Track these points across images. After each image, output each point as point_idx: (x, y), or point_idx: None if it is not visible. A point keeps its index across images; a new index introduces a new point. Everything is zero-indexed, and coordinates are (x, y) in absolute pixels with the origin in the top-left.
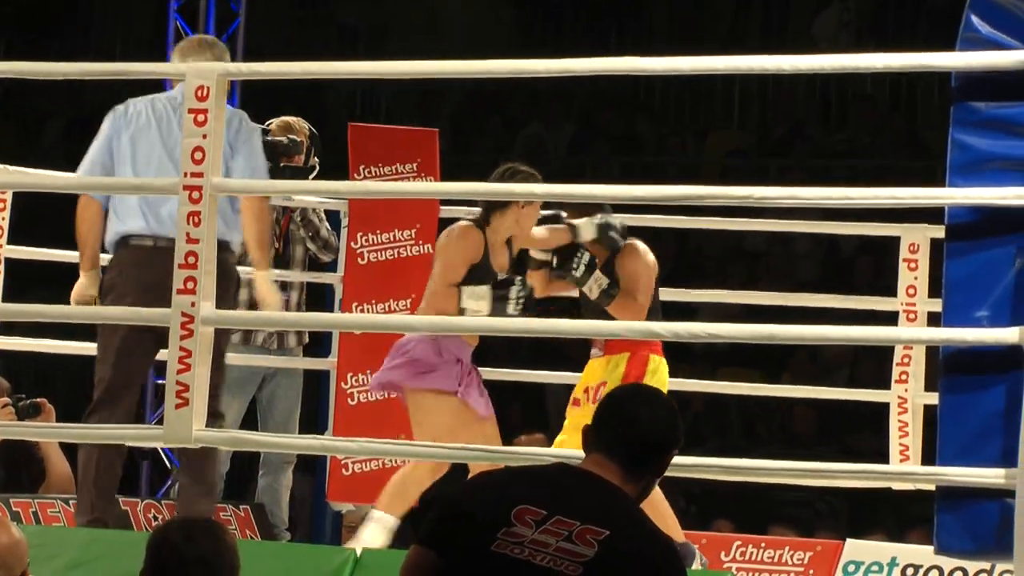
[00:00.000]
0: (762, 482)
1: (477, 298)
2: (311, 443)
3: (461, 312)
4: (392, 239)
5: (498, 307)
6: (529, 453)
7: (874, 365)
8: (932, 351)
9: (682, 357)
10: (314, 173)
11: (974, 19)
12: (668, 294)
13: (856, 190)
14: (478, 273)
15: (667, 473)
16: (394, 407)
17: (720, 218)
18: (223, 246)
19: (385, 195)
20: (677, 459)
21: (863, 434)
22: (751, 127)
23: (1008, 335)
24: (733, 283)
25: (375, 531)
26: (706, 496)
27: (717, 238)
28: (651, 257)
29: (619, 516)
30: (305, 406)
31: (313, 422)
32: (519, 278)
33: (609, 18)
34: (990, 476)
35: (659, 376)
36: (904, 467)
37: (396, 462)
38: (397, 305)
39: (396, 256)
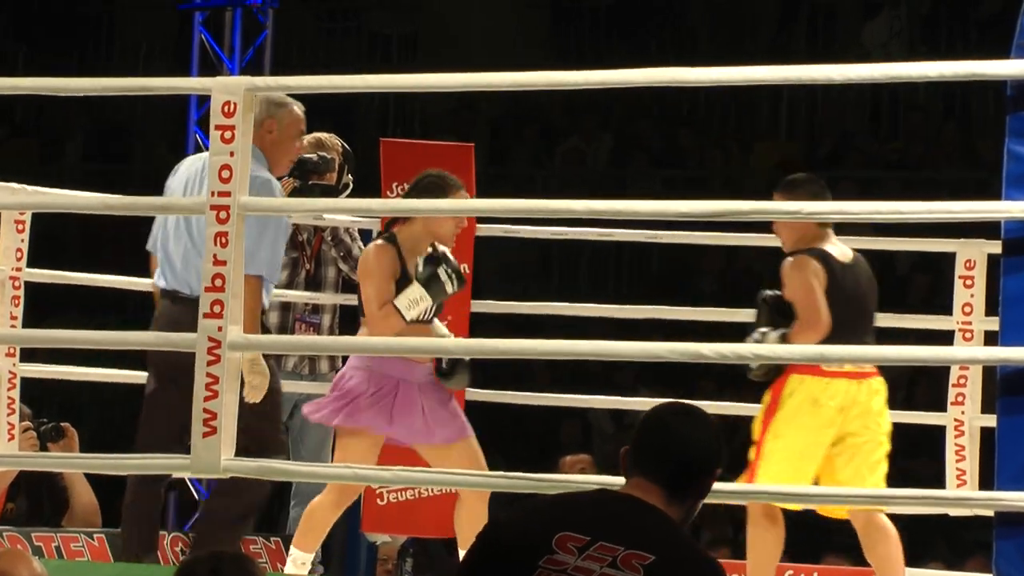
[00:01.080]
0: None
1: (413, 301)
2: (343, 472)
3: (410, 323)
4: None
5: (436, 290)
6: (562, 480)
7: (931, 386)
8: (989, 371)
9: (731, 380)
10: (348, 191)
11: None
12: (716, 314)
13: (908, 204)
14: (402, 285)
15: (715, 500)
16: None
17: (768, 234)
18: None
19: (419, 213)
20: (724, 486)
21: (920, 458)
22: (799, 138)
23: None
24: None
25: (290, 568)
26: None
27: (766, 255)
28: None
29: (665, 540)
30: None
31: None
32: (432, 254)
33: (648, 27)
34: None
35: (794, 399)
36: (961, 492)
37: (432, 491)
38: None
39: None
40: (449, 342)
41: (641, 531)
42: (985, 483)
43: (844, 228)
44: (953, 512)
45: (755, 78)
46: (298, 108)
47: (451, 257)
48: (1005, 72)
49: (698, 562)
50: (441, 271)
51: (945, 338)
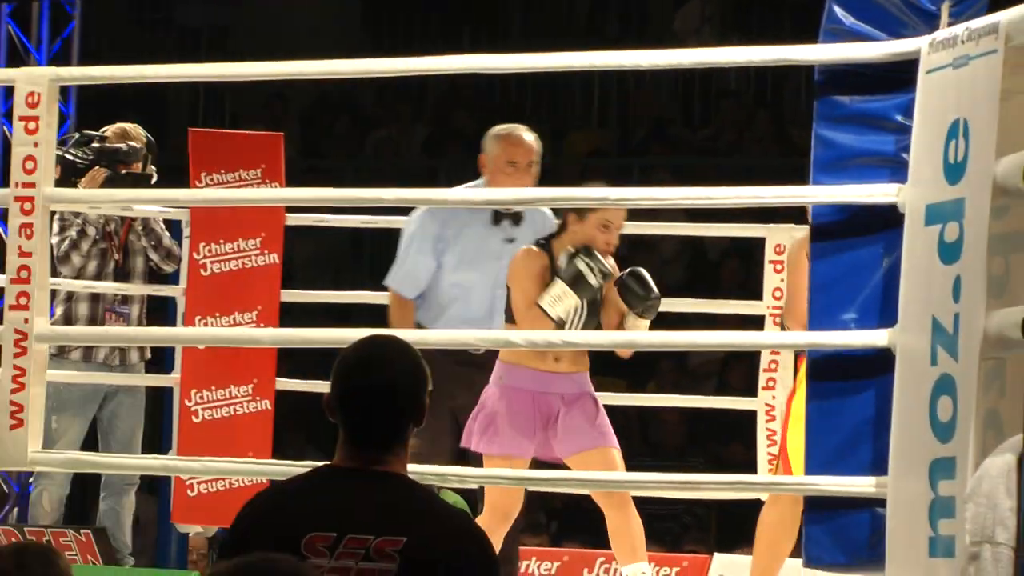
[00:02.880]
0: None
1: (556, 298)
2: (153, 463)
3: (560, 326)
4: (236, 249)
5: (581, 288)
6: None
7: (745, 372)
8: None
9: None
10: (152, 181)
11: (837, 10)
12: None
13: (717, 190)
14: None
15: (529, 488)
16: (239, 424)
17: None
18: None
19: (228, 203)
20: (537, 473)
21: (732, 444)
22: (612, 125)
23: (877, 338)
24: None
25: None
26: (568, 511)
27: None
28: None
29: (415, 517)
30: (148, 425)
31: (156, 441)
32: (576, 249)
33: (462, 16)
34: (860, 485)
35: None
36: (772, 477)
37: (243, 481)
38: (242, 318)
39: (241, 267)
40: (235, 332)
41: (386, 512)
42: None
43: (659, 214)
44: (765, 497)
45: (563, 64)
46: None
47: (594, 251)
48: (813, 57)
49: (454, 534)
50: (580, 263)
51: (756, 323)
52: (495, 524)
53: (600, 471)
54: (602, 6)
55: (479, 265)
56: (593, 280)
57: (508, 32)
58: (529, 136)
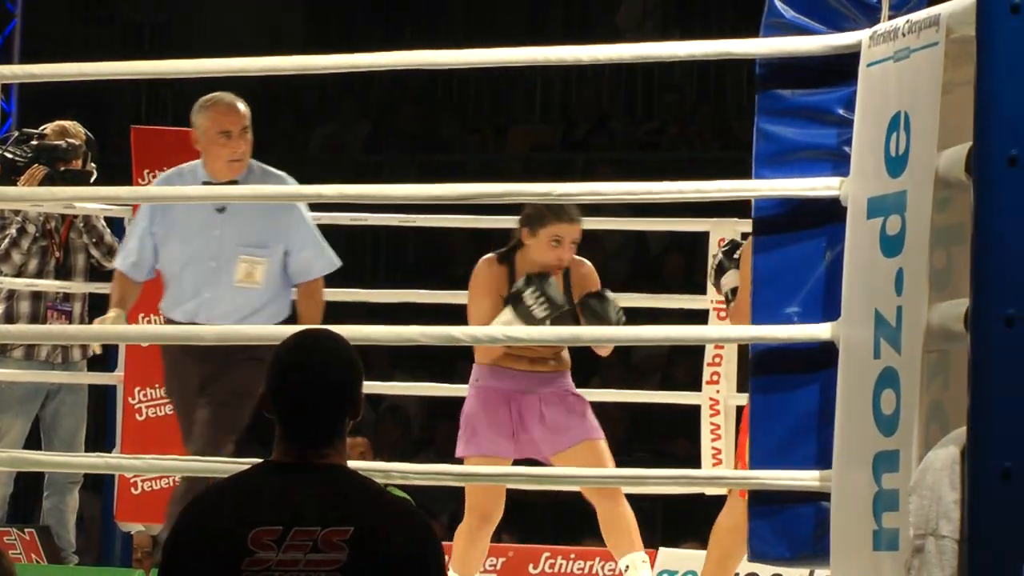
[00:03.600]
0: (572, 490)
1: (506, 324)
2: (96, 462)
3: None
4: None
5: (524, 317)
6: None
7: (689, 367)
8: (744, 350)
9: None
10: (92, 179)
11: (778, 4)
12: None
13: (659, 184)
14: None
15: (469, 483)
16: (172, 423)
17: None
18: None
19: (170, 200)
20: (482, 469)
21: (677, 439)
22: (554, 121)
23: (820, 331)
24: None
25: None
26: (516, 507)
27: None
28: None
29: (360, 507)
30: (91, 423)
31: (100, 439)
32: (529, 277)
33: (404, 12)
34: (804, 479)
35: None
36: (716, 471)
37: (176, 480)
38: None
39: None
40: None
41: (332, 503)
42: None
43: (602, 209)
44: (709, 491)
45: (506, 59)
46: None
47: (548, 279)
48: (754, 51)
49: (401, 522)
50: (528, 295)
51: (700, 317)
52: (476, 526)
53: (587, 465)
54: (544, 2)
55: (190, 238)
56: (539, 311)
57: (450, 28)
58: (238, 102)
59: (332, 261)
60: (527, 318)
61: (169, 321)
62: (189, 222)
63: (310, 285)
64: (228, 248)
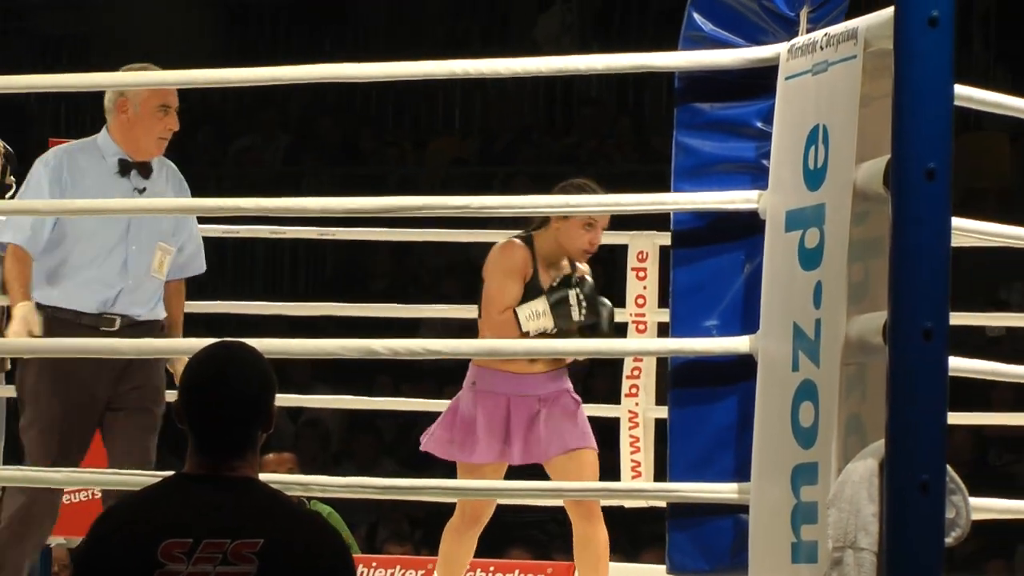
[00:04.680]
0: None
1: (535, 315)
2: (14, 475)
3: (525, 336)
4: None
5: (561, 314)
6: None
7: (608, 379)
8: (663, 363)
9: (407, 376)
10: (10, 192)
11: (696, 17)
12: (388, 310)
13: (578, 197)
14: (532, 292)
15: (390, 497)
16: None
17: (442, 230)
18: None
19: (88, 212)
20: (401, 482)
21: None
22: (474, 134)
23: (738, 344)
24: (456, 297)
25: None
26: (432, 519)
27: (440, 251)
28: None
29: (270, 518)
30: (8, 435)
31: (18, 451)
32: (568, 275)
33: (323, 25)
34: (723, 491)
35: None
36: (635, 484)
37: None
38: None
39: None
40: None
41: (242, 516)
42: (660, 474)
43: (521, 222)
44: (628, 504)
45: (425, 73)
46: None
47: (590, 283)
48: (673, 64)
49: (311, 534)
50: (572, 295)
51: (619, 330)
52: (465, 527)
53: (577, 476)
54: (464, 15)
55: (107, 219)
56: (576, 314)
57: (370, 41)
58: None
59: (204, 264)
60: (563, 320)
61: (57, 312)
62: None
63: (182, 283)
64: (146, 234)
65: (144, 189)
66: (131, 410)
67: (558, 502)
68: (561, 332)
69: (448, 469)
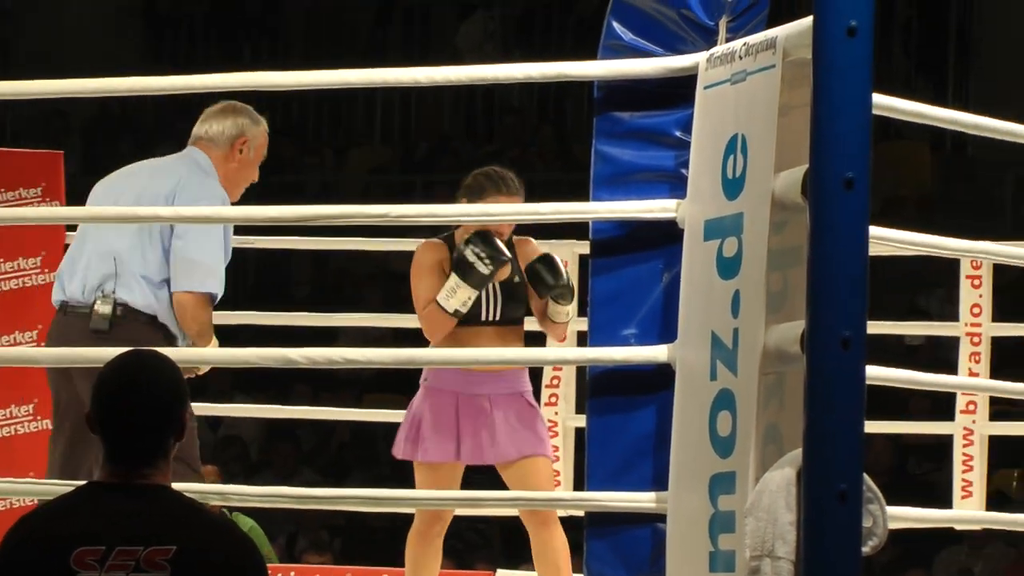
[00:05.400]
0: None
1: (451, 292)
2: None
3: (465, 317)
4: (16, 268)
5: (469, 276)
6: None
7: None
8: (582, 372)
9: (326, 385)
10: None
11: (616, 26)
12: (307, 319)
13: (494, 206)
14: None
15: (307, 507)
16: (19, 444)
17: (362, 238)
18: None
19: (7, 222)
20: (321, 491)
21: None
22: (394, 143)
23: (657, 353)
24: (376, 306)
25: None
26: (353, 528)
27: (359, 260)
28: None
29: (183, 525)
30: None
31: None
32: (466, 239)
33: (242, 33)
34: (641, 500)
35: None
36: (554, 493)
37: (24, 502)
38: (23, 337)
39: (21, 286)
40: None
41: (154, 523)
42: (578, 484)
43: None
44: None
45: (345, 81)
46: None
47: (489, 236)
48: (592, 72)
49: (223, 541)
50: (468, 251)
51: (538, 339)
52: (426, 528)
53: (531, 483)
54: (384, 23)
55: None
56: (483, 268)
57: (289, 49)
58: None
59: None
60: (474, 278)
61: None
62: None
63: None
64: None
65: None
66: None
67: (481, 511)
68: (507, 295)
69: (365, 477)
